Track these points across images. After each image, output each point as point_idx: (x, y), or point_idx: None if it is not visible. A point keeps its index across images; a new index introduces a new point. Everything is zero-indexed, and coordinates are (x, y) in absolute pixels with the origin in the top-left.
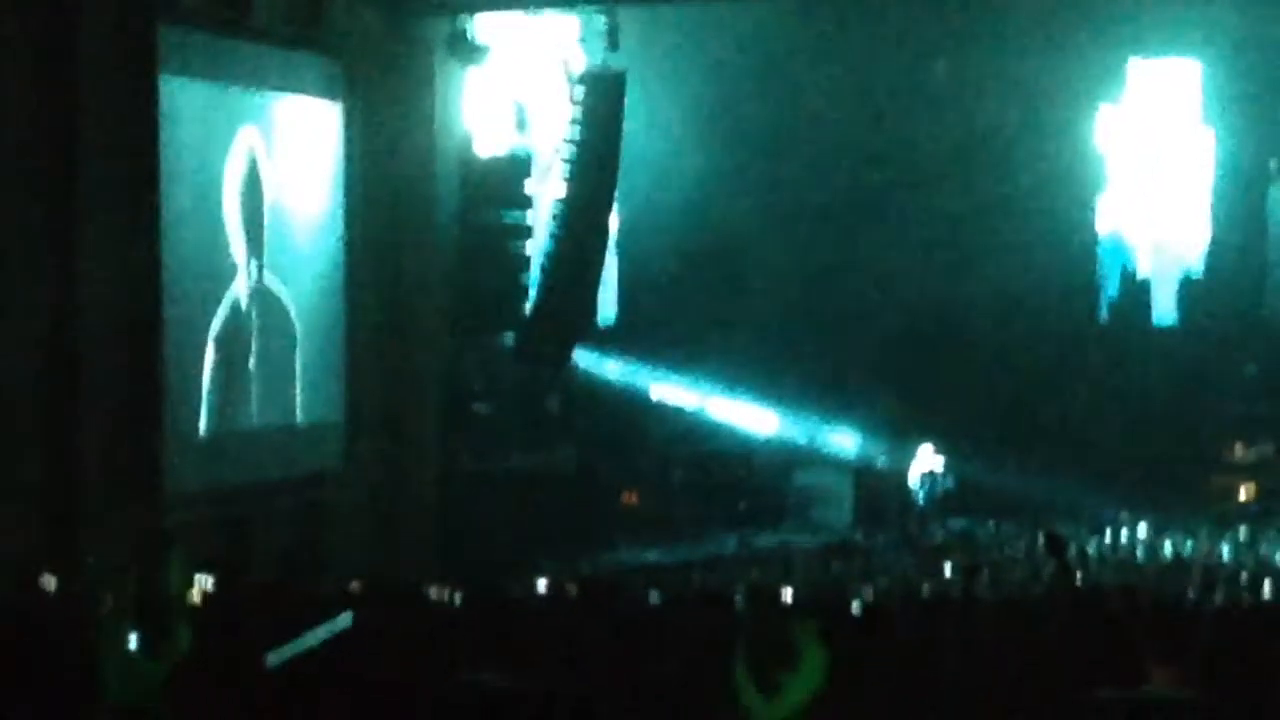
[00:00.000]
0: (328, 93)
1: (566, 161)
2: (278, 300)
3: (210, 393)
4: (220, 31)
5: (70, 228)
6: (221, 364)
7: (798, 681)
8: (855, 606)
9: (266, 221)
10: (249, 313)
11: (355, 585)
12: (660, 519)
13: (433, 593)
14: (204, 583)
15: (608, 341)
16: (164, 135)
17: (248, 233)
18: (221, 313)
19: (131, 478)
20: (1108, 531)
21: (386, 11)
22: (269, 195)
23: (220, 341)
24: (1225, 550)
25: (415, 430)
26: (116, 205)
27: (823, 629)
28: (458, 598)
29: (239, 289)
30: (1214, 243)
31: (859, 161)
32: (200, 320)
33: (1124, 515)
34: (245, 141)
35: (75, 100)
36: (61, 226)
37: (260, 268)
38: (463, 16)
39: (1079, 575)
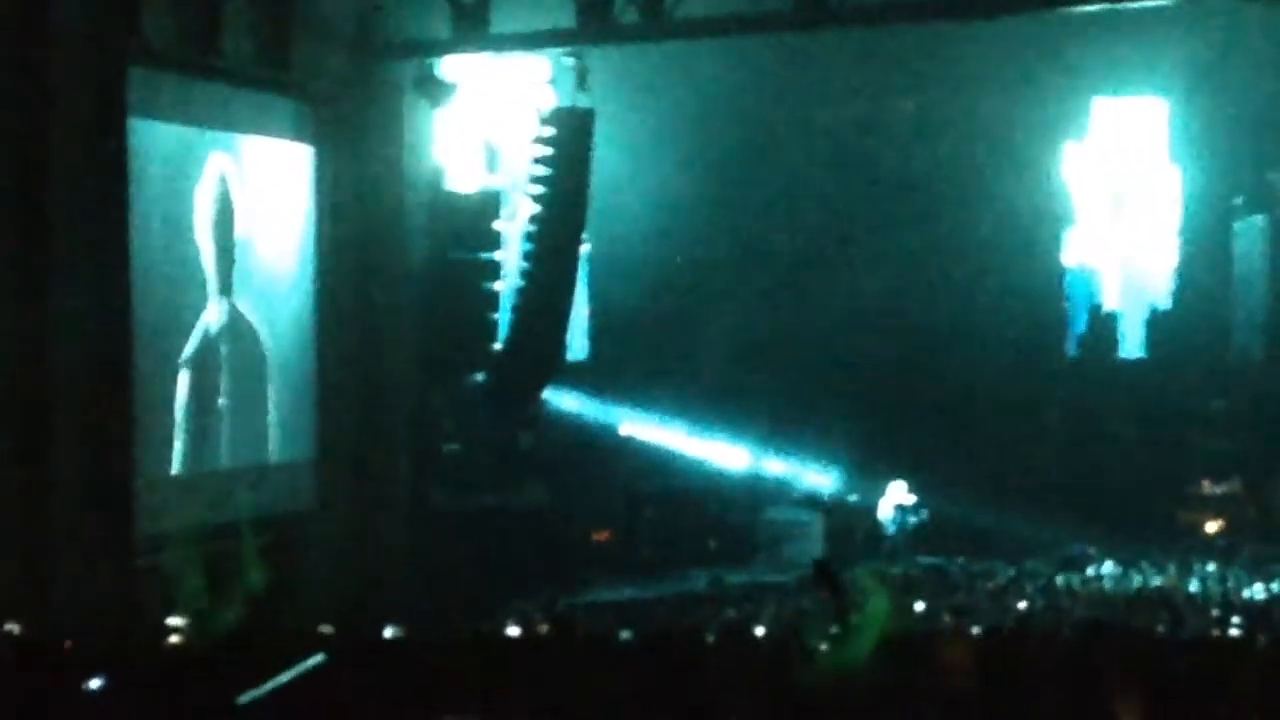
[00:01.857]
0: (297, 134)
1: (536, 200)
2: (251, 338)
3: (183, 431)
4: (190, 74)
5: (41, 269)
6: (193, 402)
7: (864, 624)
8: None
9: (238, 259)
10: (221, 350)
11: (326, 628)
12: (631, 557)
13: (404, 633)
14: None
15: (578, 379)
16: (134, 176)
17: (220, 267)
18: (193, 350)
19: (105, 518)
20: (1077, 566)
21: (355, 53)
22: (241, 231)
23: (193, 379)
24: (1193, 585)
25: (386, 469)
26: (87, 248)
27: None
28: (429, 638)
29: (212, 325)
30: (1181, 278)
31: (826, 198)
32: (173, 361)
33: (1092, 550)
34: (217, 170)
35: (45, 142)
36: (32, 267)
37: (233, 305)
38: (431, 57)
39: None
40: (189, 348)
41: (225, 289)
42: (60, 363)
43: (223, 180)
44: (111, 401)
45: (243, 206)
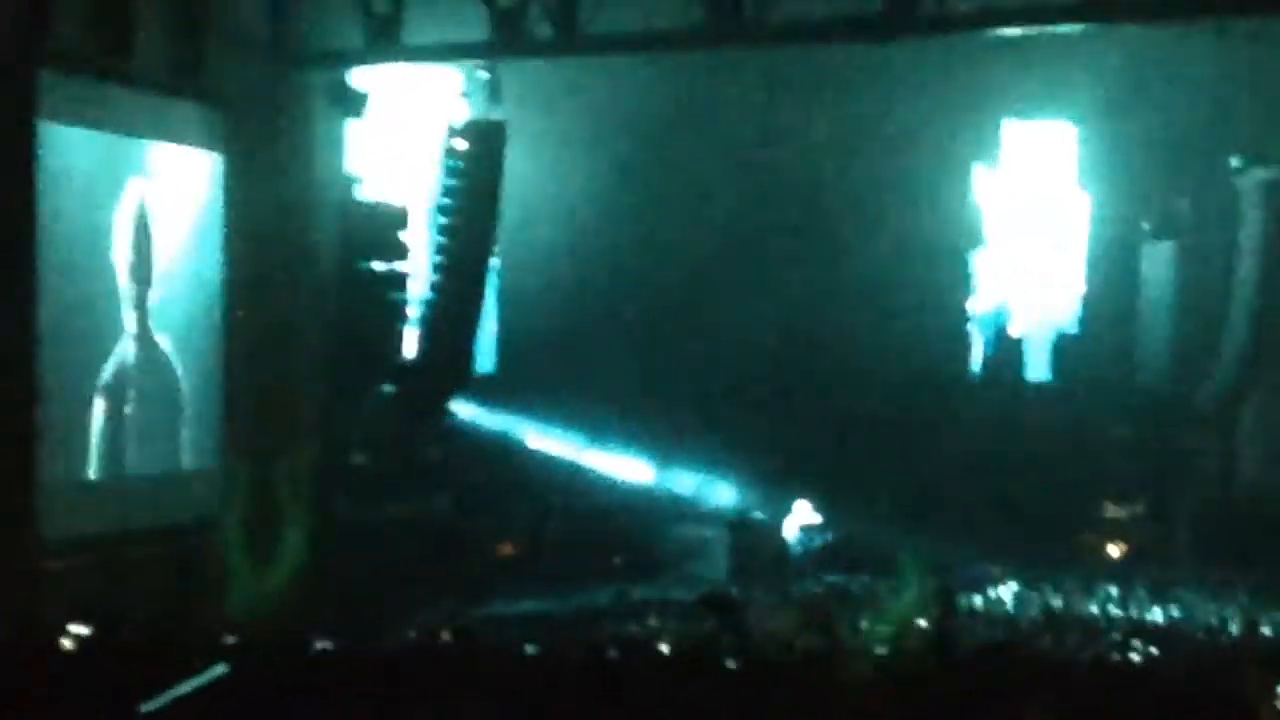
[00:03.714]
0: (208, 142)
1: (446, 212)
2: (163, 351)
3: (96, 438)
4: (102, 78)
5: None
6: (108, 411)
7: (904, 602)
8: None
9: (152, 271)
10: (135, 363)
11: (230, 638)
12: (536, 571)
13: (307, 643)
14: (79, 630)
15: (486, 392)
16: (43, 181)
17: (136, 283)
18: (111, 364)
19: (4, 523)
20: (980, 587)
21: (268, 61)
22: (156, 246)
23: (107, 389)
24: (1095, 607)
25: (292, 479)
26: None
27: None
28: (332, 648)
29: (126, 335)
30: (1088, 302)
31: (735, 214)
32: (82, 364)
33: (996, 570)
34: (136, 192)
35: None
36: None
37: (145, 318)
38: (343, 67)
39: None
40: (106, 368)
41: (140, 302)
42: None
43: (141, 204)
44: (13, 404)
45: (157, 221)
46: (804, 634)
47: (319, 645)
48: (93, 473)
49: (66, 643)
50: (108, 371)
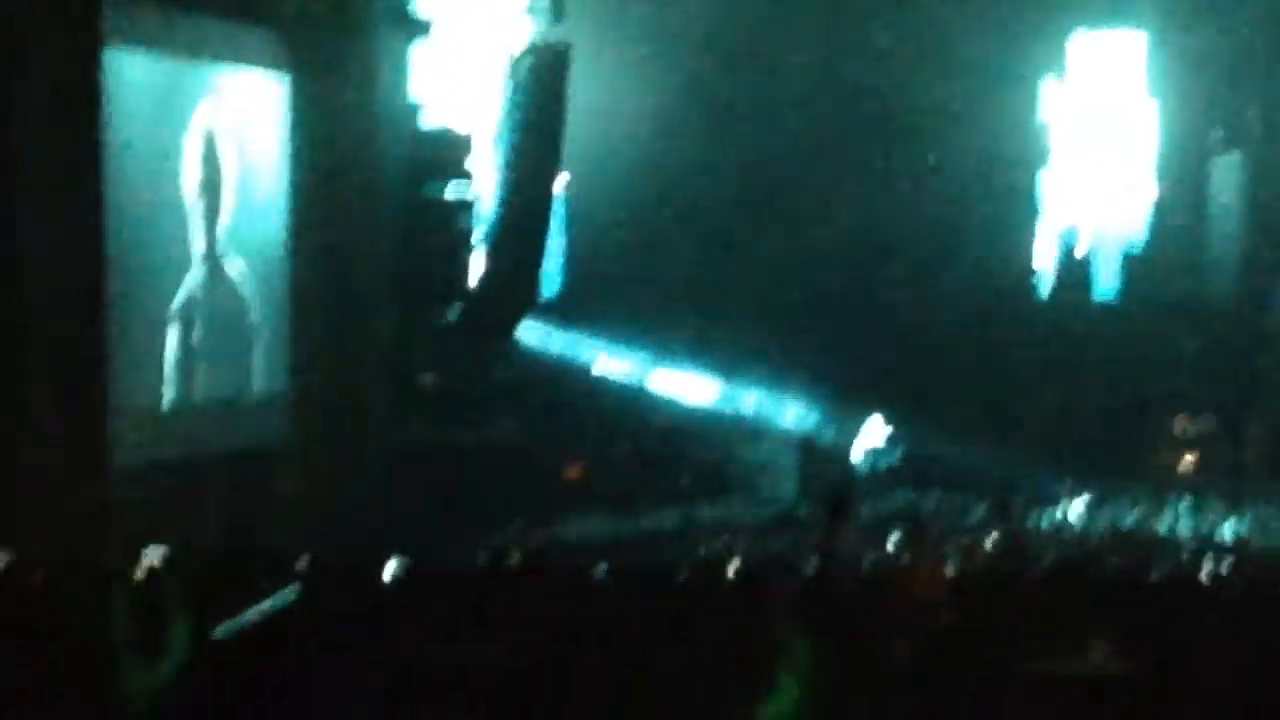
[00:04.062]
0: (274, 65)
1: (511, 135)
2: (233, 278)
3: (168, 364)
4: (167, 3)
5: (11, 202)
6: (182, 339)
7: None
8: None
9: (222, 200)
10: (205, 287)
11: (301, 561)
12: (604, 493)
13: (377, 567)
14: (153, 555)
15: (552, 314)
16: (112, 107)
17: (206, 207)
18: (182, 292)
19: (76, 452)
20: (1049, 504)
21: None
22: (224, 174)
23: (179, 315)
24: (1165, 524)
25: (361, 403)
26: (60, 181)
27: None
28: (402, 571)
29: (196, 263)
30: (1156, 214)
31: (805, 129)
32: (155, 294)
33: (1067, 486)
34: (204, 116)
35: (16, 74)
36: (4, 202)
37: (215, 241)
38: None
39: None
40: (178, 296)
41: (211, 230)
42: (34, 295)
43: (210, 130)
44: (87, 332)
45: (225, 148)
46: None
47: (389, 568)
48: (165, 399)
49: (139, 569)
50: (178, 298)
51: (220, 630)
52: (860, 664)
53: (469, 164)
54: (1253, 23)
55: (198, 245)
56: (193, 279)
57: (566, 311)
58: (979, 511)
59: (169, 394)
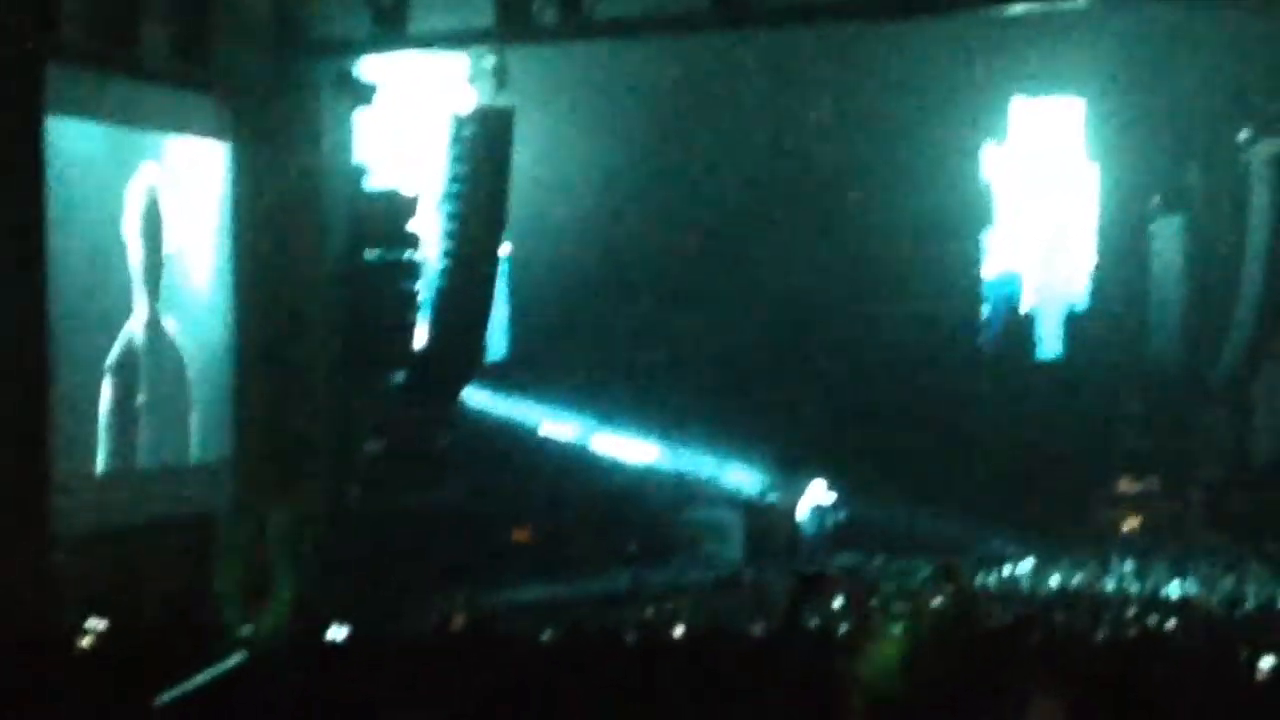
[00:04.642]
0: (216, 133)
1: (455, 199)
2: (172, 341)
3: (106, 431)
4: (108, 71)
5: None
6: (117, 401)
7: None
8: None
9: (164, 263)
10: (144, 351)
11: (246, 628)
12: (551, 556)
13: (323, 632)
14: (94, 624)
15: (499, 378)
16: (53, 174)
17: (147, 270)
18: (116, 355)
19: (18, 518)
20: (995, 565)
21: (274, 52)
22: (167, 237)
23: (116, 378)
24: (1111, 582)
25: (305, 469)
26: (1, 246)
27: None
28: (347, 637)
29: (135, 327)
30: (1098, 278)
31: (744, 198)
32: (93, 360)
33: (1011, 548)
34: (147, 178)
35: None
36: None
37: (156, 306)
38: (350, 57)
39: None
40: (113, 354)
41: (151, 292)
42: None
43: (152, 186)
44: (28, 401)
45: (167, 211)
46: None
47: (335, 635)
48: (104, 465)
49: (81, 638)
50: (116, 360)
51: (165, 698)
52: None
53: (413, 228)
54: (1190, 88)
55: (138, 309)
56: (140, 345)
57: (511, 375)
58: (924, 571)
59: (108, 460)
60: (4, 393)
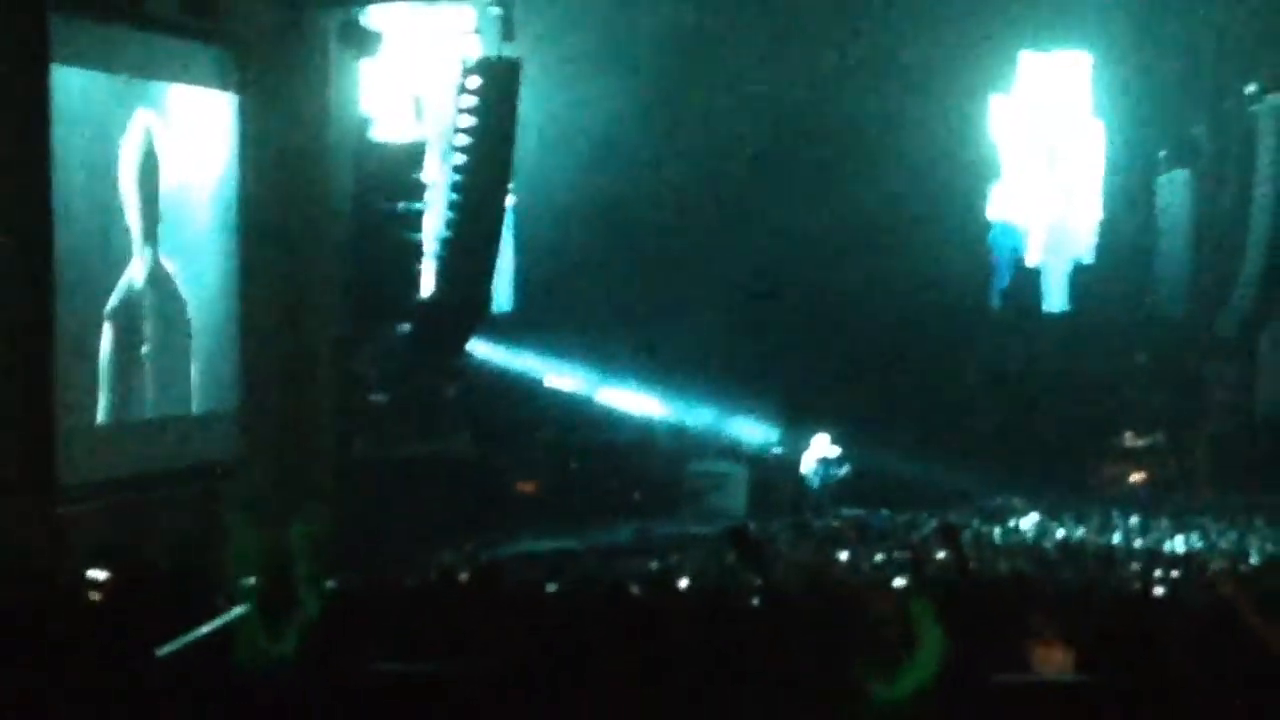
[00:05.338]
0: (221, 83)
1: (461, 150)
2: (174, 289)
3: (107, 381)
4: (113, 21)
5: None
6: (117, 350)
7: (918, 661)
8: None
9: (163, 209)
10: (145, 302)
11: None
12: (556, 508)
13: (328, 583)
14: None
15: (504, 329)
16: (57, 124)
17: (144, 218)
18: (116, 302)
19: (22, 470)
20: (999, 518)
21: (279, 2)
22: (165, 183)
23: (116, 331)
24: (1116, 537)
25: (311, 420)
26: (6, 198)
27: (938, 608)
28: (354, 588)
29: (135, 276)
30: (1104, 232)
31: (750, 148)
32: (96, 311)
33: (1016, 502)
34: (142, 124)
35: None
36: None
37: (156, 255)
38: (356, 7)
39: (971, 564)
40: (112, 300)
41: (150, 241)
42: None
43: (148, 134)
44: (32, 352)
45: (167, 158)
46: (825, 567)
47: (340, 585)
48: (110, 417)
49: (87, 589)
50: (114, 307)
51: (167, 649)
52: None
53: (419, 178)
54: (1197, 42)
55: (146, 259)
56: (140, 293)
57: (516, 326)
58: (929, 526)
59: (112, 411)
60: (6, 344)
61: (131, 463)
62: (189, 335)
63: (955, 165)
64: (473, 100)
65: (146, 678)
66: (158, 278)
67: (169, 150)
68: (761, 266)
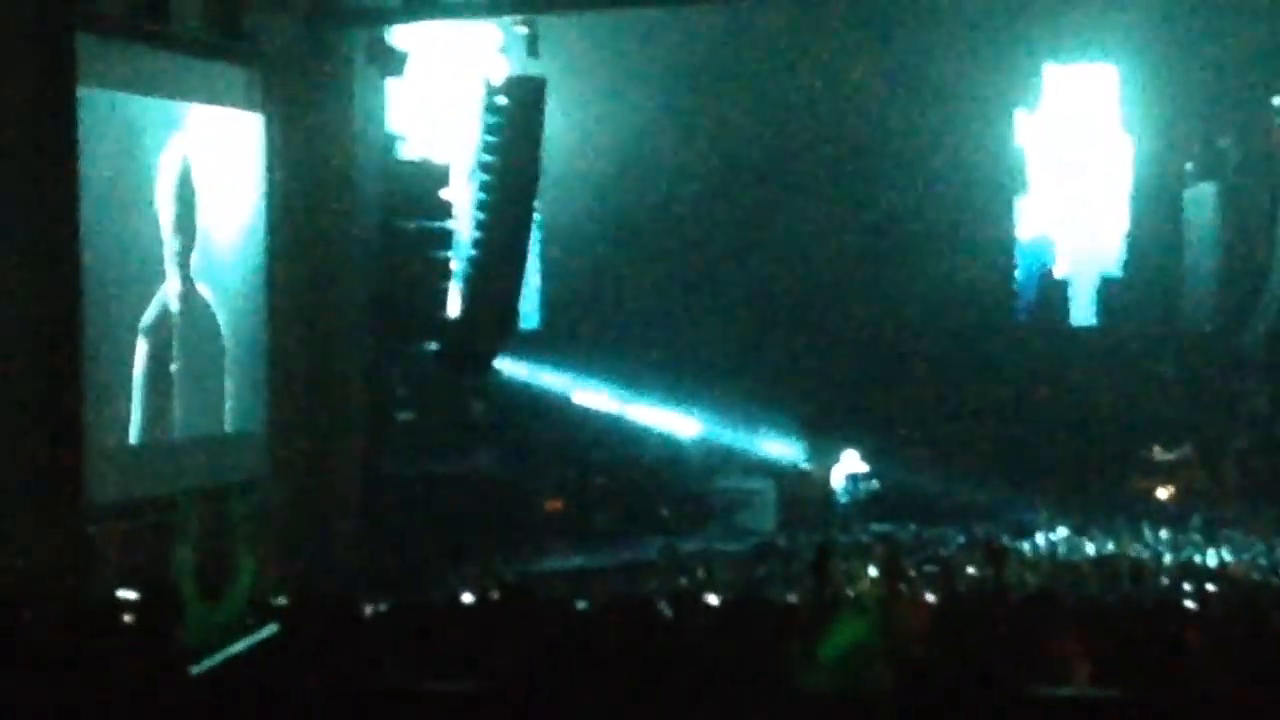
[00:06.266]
0: (248, 103)
1: (487, 169)
2: (207, 308)
3: (140, 401)
4: (140, 42)
5: None
6: (149, 370)
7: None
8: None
9: (196, 232)
10: (177, 320)
11: (280, 598)
12: (583, 525)
13: (357, 602)
14: (129, 594)
15: (531, 347)
16: (85, 146)
17: (179, 240)
18: (150, 319)
19: (51, 488)
20: (1029, 533)
21: (306, 22)
22: (198, 204)
23: (150, 347)
24: (1145, 551)
25: (339, 438)
26: (34, 220)
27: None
28: (382, 606)
29: (169, 296)
30: (1131, 245)
31: (777, 165)
32: (124, 333)
33: (1044, 516)
34: (179, 148)
35: None
36: None
37: (189, 275)
38: (382, 26)
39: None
40: (145, 319)
41: (183, 261)
42: (7, 333)
43: (183, 154)
44: (61, 371)
45: (198, 178)
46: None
47: (369, 604)
48: (142, 435)
49: (120, 610)
50: (148, 325)
51: (199, 667)
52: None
53: (445, 197)
54: (1224, 55)
55: (171, 281)
56: (174, 314)
57: (543, 344)
58: (956, 541)
59: (143, 430)
60: (38, 364)
61: (162, 482)
62: (221, 354)
63: (980, 179)
64: (499, 118)
65: (181, 696)
66: (190, 297)
67: (199, 170)
68: (787, 282)
